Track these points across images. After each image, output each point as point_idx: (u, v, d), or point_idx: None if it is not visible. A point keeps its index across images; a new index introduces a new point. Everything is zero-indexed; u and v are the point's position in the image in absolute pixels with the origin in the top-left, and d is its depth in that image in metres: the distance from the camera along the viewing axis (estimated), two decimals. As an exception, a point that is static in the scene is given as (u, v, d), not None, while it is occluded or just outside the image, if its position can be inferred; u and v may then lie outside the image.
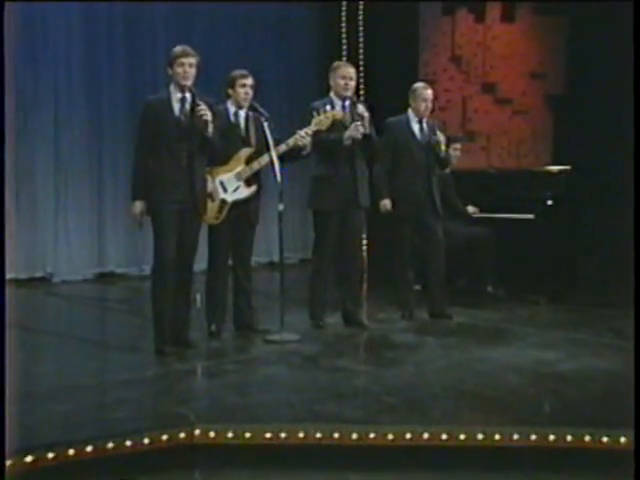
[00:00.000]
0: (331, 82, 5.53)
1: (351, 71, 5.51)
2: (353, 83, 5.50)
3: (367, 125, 5.42)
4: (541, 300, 6.57)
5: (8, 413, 2.93)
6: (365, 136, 5.43)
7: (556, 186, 7.00)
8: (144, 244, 7.60)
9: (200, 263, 5.27)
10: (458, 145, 6.93)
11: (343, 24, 9.03)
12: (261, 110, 5.24)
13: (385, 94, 7.55)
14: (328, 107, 5.36)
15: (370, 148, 5.56)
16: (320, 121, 5.27)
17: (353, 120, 5.43)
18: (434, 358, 4.78)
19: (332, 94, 5.54)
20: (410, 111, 5.90)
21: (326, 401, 3.86)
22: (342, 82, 5.46)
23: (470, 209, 6.88)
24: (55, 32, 7.99)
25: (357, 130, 5.36)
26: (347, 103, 5.49)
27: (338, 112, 5.38)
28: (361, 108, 5.42)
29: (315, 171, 5.57)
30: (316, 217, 5.58)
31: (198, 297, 5.48)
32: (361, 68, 8.78)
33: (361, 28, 8.98)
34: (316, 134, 5.27)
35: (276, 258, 8.67)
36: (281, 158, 5.16)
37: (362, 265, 6.40)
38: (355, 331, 5.49)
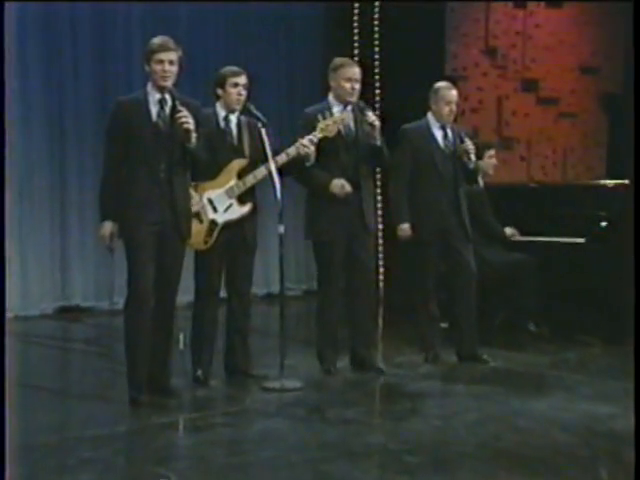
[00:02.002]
0: (332, 83, 5.61)
1: (357, 71, 5.60)
2: (358, 86, 5.60)
3: (378, 136, 5.52)
4: (594, 341, 6.61)
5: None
6: (375, 149, 5.54)
7: (612, 204, 7.03)
8: (116, 273, 7.68)
9: (185, 295, 5.35)
10: (492, 152, 6.97)
11: (355, 16, 9.21)
12: (257, 114, 5.33)
13: (405, 96, 7.63)
14: (336, 110, 5.48)
15: (381, 163, 5.67)
16: (326, 126, 5.37)
17: (357, 128, 5.54)
18: (464, 410, 4.83)
19: (331, 97, 5.63)
20: (430, 115, 6.00)
21: (334, 460, 3.92)
22: (348, 85, 5.54)
23: (508, 231, 6.93)
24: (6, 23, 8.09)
25: (343, 189, 5.46)
26: (348, 108, 5.58)
27: (347, 115, 5.48)
28: (371, 116, 5.51)
29: (310, 193, 5.66)
30: (316, 248, 5.68)
31: (182, 336, 5.55)
32: (376, 63, 8.93)
33: (377, 14, 9.13)
34: (321, 142, 5.37)
35: (275, 289, 8.74)
36: (280, 171, 5.26)
37: (376, 298, 6.47)
38: (369, 377, 5.56)
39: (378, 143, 5.55)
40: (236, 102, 5.35)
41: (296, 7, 9.50)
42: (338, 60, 5.67)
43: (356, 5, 9.31)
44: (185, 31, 8.64)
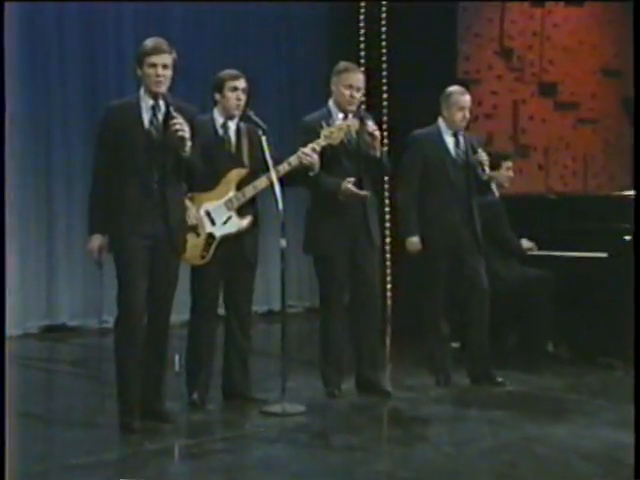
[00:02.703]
0: (333, 88, 5.68)
1: (360, 78, 5.66)
2: (360, 95, 5.67)
3: (377, 146, 5.59)
4: (616, 363, 6.61)
5: None
6: (375, 160, 5.59)
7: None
8: (105, 289, 7.71)
9: (180, 314, 5.38)
10: (509, 163, 7.01)
11: (361, 16, 9.26)
12: (257, 121, 5.39)
13: (414, 101, 7.66)
14: (338, 117, 5.56)
15: (382, 174, 5.71)
16: (331, 134, 5.43)
17: (360, 138, 5.59)
18: (478, 436, 4.86)
19: (331, 104, 5.70)
20: (441, 121, 6.06)
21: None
22: (347, 92, 5.60)
23: (525, 245, 6.95)
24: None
25: (358, 195, 5.51)
26: (349, 116, 5.61)
27: (353, 122, 5.53)
28: (372, 126, 5.56)
29: (311, 205, 5.72)
30: (317, 262, 5.73)
31: (177, 357, 5.58)
32: (383, 65, 8.98)
33: (384, 14, 9.19)
34: (322, 150, 5.43)
35: (276, 306, 8.82)
36: (281, 181, 5.30)
37: (383, 316, 6.49)
38: (376, 400, 5.60)
39: (377, 154, 5.60)
40: (235, 107, 5.40)
41: (298, 7, 9.56)
42: (342, 64, 5.73)
43: (362, 4, 9.37)
44: (180, 32, 8.72)
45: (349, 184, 5.50)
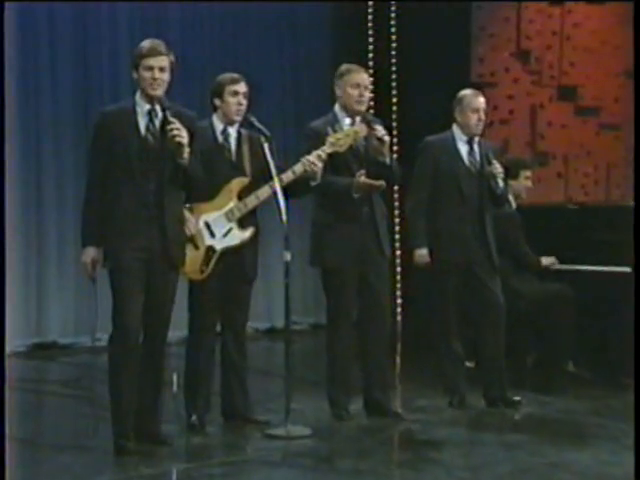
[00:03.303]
0: (338, 91, 5.72)
1: (365, 77, 5.71)
2: (368, 94, 5.71)
3: (387, 152, 5.62)
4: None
5: None
6: (384, 167, 5.62)
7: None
8: (99, 305, 7.72)
9: (177, 330, 5.40)
10: (529, 173, 7.03)
11: (369, 16, 9.31)
12: (259, 127, 5.42)
13: (425, 106, 7.68)
14: (345, 122, 5.57)
15: (392, 182, 5.75)
16: (337, 140, 5.44)
17: (368, 144, 5.62)
18: (494, 461, 4.86)
19: (337, 108, 5.73)
20: (455, 128, 6.08)
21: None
22: (355, 92, 5.63)
23: (544, 260, 6.95)
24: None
25: (375, 186, 5.54)
26: (357, 121, 5.64)
27: (361, 128, 5.55)
28: (381, 130, 5.59)
29: (318, 215, 5.74)
30: (325, 275, 5.75)
31: (175, 377, 5.59)
32: (393, 68, 9.01)
33: (393, 14, 9.23)
34: (329, 156, 5.44)
35: (280, 323, 8.77)
36: (285, 191, 5.30)
37: (393, 333, 6.47)
38: (386, 423, 5.61)
39: (387, 161, 5.63)
40: (235, 113, 5.43)
41: (302, 6, 9.60)
42: (344, 66, 5.77)
43: (370, 4, 9.41)
44: (177, 34, 8.77)
45: (362, 176, 5.53)
